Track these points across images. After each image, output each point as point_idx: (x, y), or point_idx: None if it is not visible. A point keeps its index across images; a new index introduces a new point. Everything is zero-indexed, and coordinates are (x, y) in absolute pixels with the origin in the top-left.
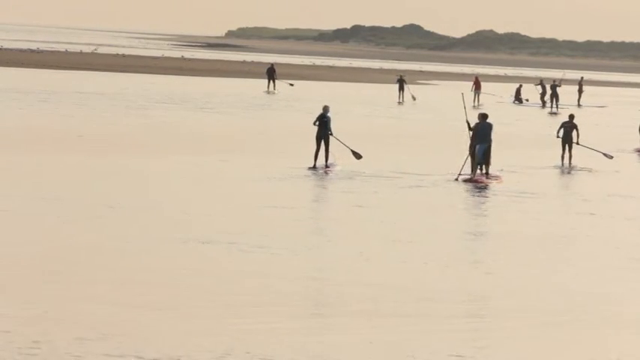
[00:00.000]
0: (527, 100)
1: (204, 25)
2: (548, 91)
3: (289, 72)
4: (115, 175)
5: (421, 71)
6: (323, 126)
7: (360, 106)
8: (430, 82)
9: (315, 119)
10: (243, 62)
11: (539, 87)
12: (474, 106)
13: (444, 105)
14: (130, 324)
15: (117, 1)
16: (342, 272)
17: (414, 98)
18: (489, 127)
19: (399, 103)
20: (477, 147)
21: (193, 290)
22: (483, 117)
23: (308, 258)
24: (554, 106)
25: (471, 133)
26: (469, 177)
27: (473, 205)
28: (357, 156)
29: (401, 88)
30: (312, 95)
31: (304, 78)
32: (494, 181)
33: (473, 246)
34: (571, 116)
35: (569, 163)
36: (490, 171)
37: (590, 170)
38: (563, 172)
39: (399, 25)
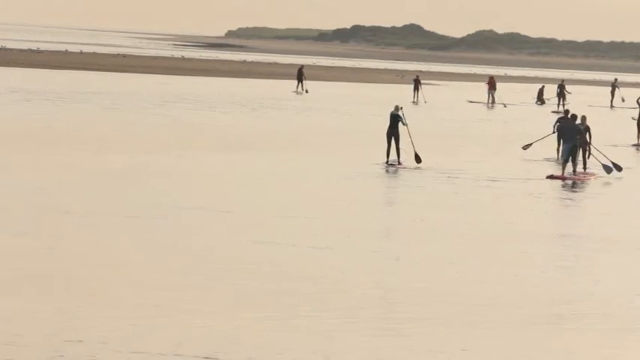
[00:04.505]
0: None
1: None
2: (556, 91)
3: (291, 72)
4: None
5: (421, 71)
6: (393, 124)
7: (373, 106)
8: (432, 82)
9: (390, 119)
10: (244, 62)
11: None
12: (487, 106)
13: (457, 106)
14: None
15: (117, 1)
16: (420, 280)
17: (425, 101)
18: (576, 127)
19: (414, 102)
20: (563, 146)
21: (257, 290)
22: (573, 118)
23: (389, 262)
24: (559, 105)
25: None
26: (558, 175)
27: (550, 204)
28: (418, 160)
29: (416, 89)
30: (332, 96)
31: (306, 78)
32: (591, 178)
33: (560, 249)
34: (566, 111)
35: None
36: (579, 169)
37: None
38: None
39: (399, 25)
